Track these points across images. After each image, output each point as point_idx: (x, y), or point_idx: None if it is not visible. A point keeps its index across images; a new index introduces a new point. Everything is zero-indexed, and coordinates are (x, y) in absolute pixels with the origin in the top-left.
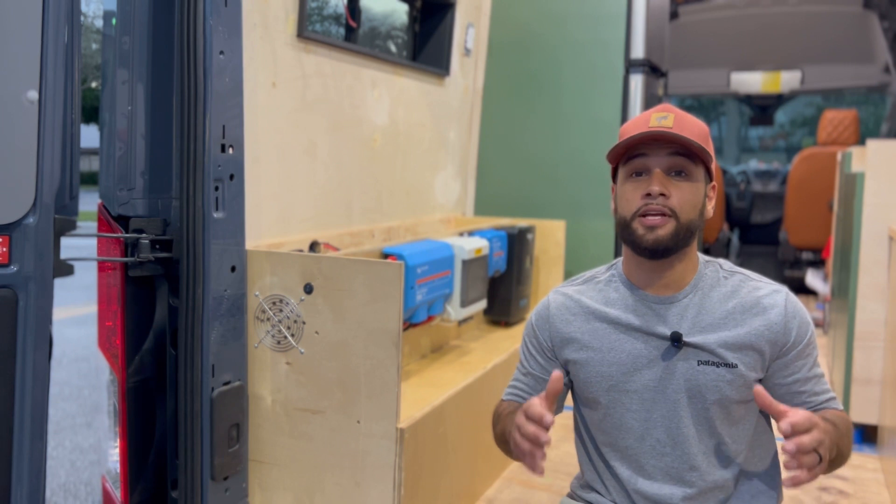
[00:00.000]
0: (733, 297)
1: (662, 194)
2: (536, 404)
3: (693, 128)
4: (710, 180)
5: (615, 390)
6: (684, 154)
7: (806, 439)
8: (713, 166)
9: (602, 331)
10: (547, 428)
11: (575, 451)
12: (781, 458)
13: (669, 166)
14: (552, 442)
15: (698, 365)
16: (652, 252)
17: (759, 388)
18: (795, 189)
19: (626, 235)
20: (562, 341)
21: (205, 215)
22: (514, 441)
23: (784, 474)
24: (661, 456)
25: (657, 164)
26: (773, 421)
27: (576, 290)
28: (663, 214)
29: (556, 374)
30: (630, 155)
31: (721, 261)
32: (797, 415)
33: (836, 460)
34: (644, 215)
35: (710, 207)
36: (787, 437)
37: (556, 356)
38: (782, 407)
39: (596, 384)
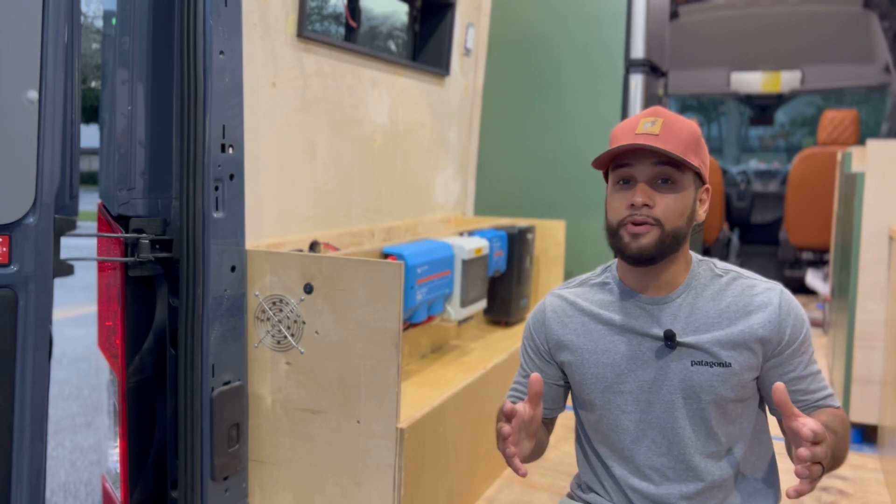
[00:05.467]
0: (726, 296)
1: (646, 205)
2: (509, 403)
3: (681, 133)
4: (703, 183)
5: (609, 391)
6: (669, 162)
7: (820, 450)
8: (705, 170)
9: (597, 332)
10: (510, 419)
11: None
12: (783, 463)
13: (655, 175)
14: (552, 442)
15: (692, 365)
16: (636, 260)
17: (779, 385)
18: (795, 189)
19: (613, 243)
20: (557, 343)
21: (205, 215)
22: (497, 445)
23: (782, 479)
24: (657, 456)
25: (642, 174)
26: (769, 420)
27: (571, 292)
28: (647, 224)
29: (535, 376)
30: (617, 163)
31: (714, 260)
32: (814, 422)
33: (830, 467)
34: (630, 224)
35: (703, 211)
36: (809, 442)
37: (552, 358)
38: (796, 410)
39: (590, 385)
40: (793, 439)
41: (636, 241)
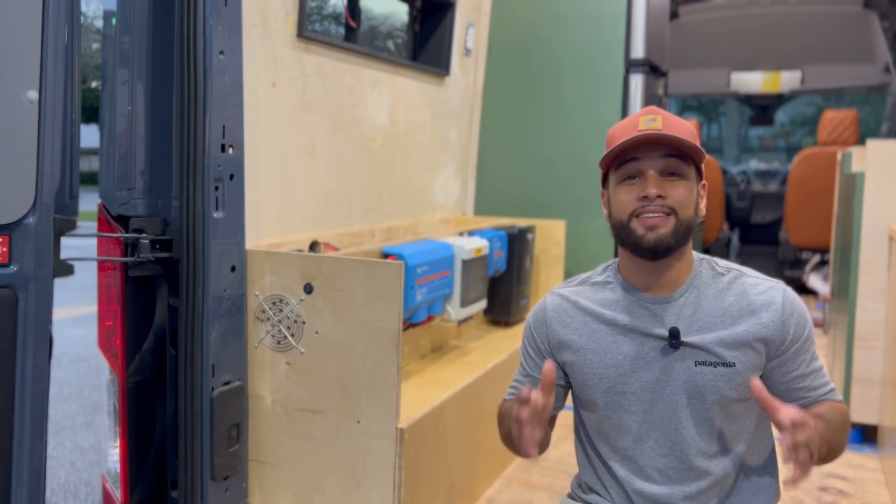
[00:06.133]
0: (729, 295)
1: (660, 196)
2: (526, 389)
3: (682, 129)
4: (701, 179)
5: (612, 392)
6: (676, 155)
7: (799, 436)
8: (703, 166)
9: (599, 332)
10: (526, 402)
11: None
12: (780, 452)
13: (663, 168)
14: (552, 442)
15: (696, 366)
16: (654, 252)
17: (755, 381)
18: (795, 189)
19: (624, 237)
20: (559, 343)
21: (205, 215)
22: (512, 430)
23: (783, 473)
24: (660, 457)
25: (650, 167)
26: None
27: (572, 291)
28: (664, 213)
29: (549, 364)
30: (622, 159)
31: (715, 258)
32: (793, 411)
33: (826, 456)
34: (641, 215)
35: (703, 206)
36: (786, 431)
37: (554, 358)
38: (777, 402)
39: (593, 385)
40: (777, 428)
41: (653, 232)
